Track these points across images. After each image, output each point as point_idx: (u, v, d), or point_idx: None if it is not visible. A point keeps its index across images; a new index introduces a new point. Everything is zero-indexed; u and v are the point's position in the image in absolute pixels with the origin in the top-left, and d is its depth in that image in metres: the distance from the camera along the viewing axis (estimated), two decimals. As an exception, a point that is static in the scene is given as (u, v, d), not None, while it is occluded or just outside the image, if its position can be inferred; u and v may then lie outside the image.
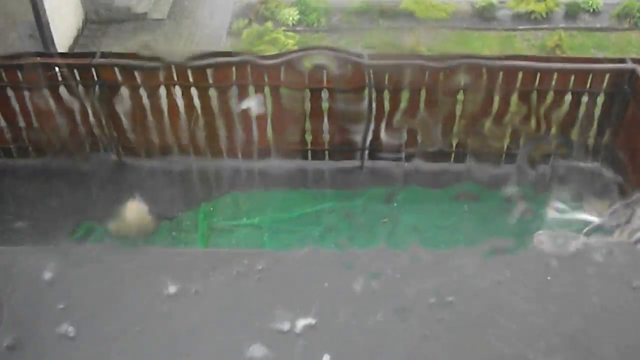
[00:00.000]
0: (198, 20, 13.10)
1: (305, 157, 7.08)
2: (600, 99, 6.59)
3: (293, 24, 12.45)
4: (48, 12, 10.48)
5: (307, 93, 6.66)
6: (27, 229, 6.37)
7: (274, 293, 1.59)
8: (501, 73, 6.39)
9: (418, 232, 6.38)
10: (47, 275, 1.56)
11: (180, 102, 6.62)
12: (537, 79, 6.43)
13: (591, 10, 12.41)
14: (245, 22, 12.54)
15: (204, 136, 6.89)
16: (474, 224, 6.40)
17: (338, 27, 12.58)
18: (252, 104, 6.48)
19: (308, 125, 6.90)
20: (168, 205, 6.68)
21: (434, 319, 1.53)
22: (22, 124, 6.82)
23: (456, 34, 12.17)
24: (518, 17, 12.41)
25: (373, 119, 6.69)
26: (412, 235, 6.33)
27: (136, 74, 6.47)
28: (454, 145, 6.90)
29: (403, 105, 6.64)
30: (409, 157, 6.95)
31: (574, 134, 6.79)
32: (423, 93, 6.56)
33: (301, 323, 1.51)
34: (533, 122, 6.64)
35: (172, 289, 1.58)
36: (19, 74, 6.51)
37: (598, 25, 12.29)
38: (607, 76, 6.41)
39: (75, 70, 6.52)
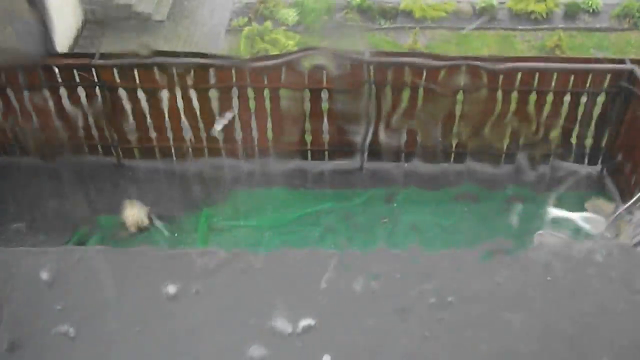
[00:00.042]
0: (197, 19, 13.09)
1: (305, 158, 7.08)
2: (599, 99, 6.59)
3: (292, 24, 12.45)
4: (48, 12, 10.46)
5: (307, 93, 6.66)
6: (26, 229, 6.37)
7: (273, 293, 1.59)
8: (501, 74, 6.39)
9: (417, 232, 6.38)
10: (46, 275, 1.56)
11: (180, 103, 6.62)
12: (536, 79, 6.43)
13: (591, 10, 12.40)
14: (244, 20, 12.54)
15: (203, 136, 6.89)
16: (474, 225, 6.40)
17: (338, 27, 12.57)
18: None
19: (308, 125, 6.89)
20: (168, 205, 6.68)
21: (433, 319, 1.53)
22: (21, 123, 6.81)
23: (456, 35, 12.16)
24: (517, 17, 12.42)
25: (373, 119, 6.69)
26: (411, 236, 6.32)
27: (135, 74, 6.47)
28: (454, 145, 6.90)
29: (403, 105, 6.64)
30: (408, 158, 6.95)
31: (574, 135, 6.79)
32: (422, 93, 6.55)
33: (301, 323, 1.51)
34: (532, 123, 6.64)
35: (172, 290, 1.58)
36: (20, 75, 6.51)
37: (598, 26, 12.28)
38: (606, 77, 6.41)
39: (75, 71, 6.52)
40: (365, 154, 6.96)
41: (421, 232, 6.39)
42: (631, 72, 6.30)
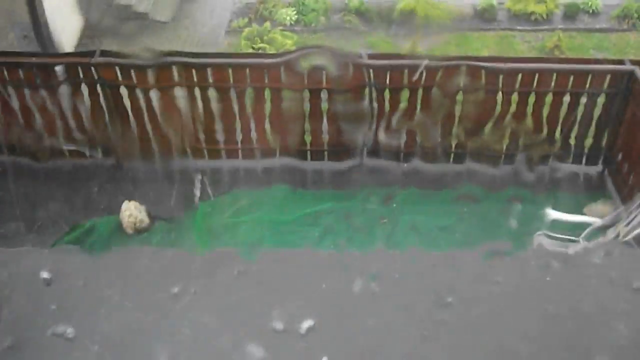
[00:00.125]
0: (197, 20, 13.10)
1: (304, 158, 7.07)
2: (599, 100, 6.59)
3: (291, 24, 12.46)
4: (48, 12, 10.47)
5: (307, 94, 6.66)
6: (25, 229, 6.37)
7: (272, 294, 1.59)
8: (500, 74, 6.40)
9: (417, 233, 6.38)
10: (46, 275, 1.56)
11: (180, 102, 6.62)
12: (536, 80, 6.43)
13: (590, 11, 12.41)
14: (244, 21, 12.55)
15: (203, 137, 6.89)
16: (473, 225, 6.40)
17: (337, 27, 12.58)
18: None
19: (307, 125, 6.89)
20: (167, 205, 6.68)
21: (433, 320, 1.53)
22: (21, 123, 6.81)
23: (456, 35, 12.17)
24: (517, 18, 12.42)
25: (372, 119, 6.69)
26: (411, 237, 6.32)
27: (134, 73, 6.46)
28: (453, 146, 6.90)
29: (402, 105, 6.64)
30: (408, 158, 6.95)
31: (573, 136, 6.79)
32: (422, 94, 6.55)
33: (300, 324, 1.51)
34: (532, 124, 6.64)
35: (171, 290, 1.58)
36: (20, 73, 6.51)
37: (597, 27, 12.29)
38: (606, 77, 6.41)
39: (74, 70, 6.51)
40: (365, 154, 6.96)
41: (420, 232, 6.39)
42: (631, 73, 6.30)
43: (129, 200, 6.55)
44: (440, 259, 1.74)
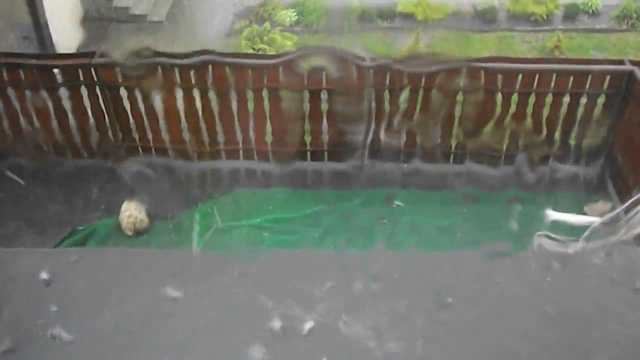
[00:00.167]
0: (198, 22, 13.10)
1: (304, 158, 7.07)
2: (599, 101, 6.59)
3: (291, 25, 12.47)
4: (48, 14, 10.47)
5: (307, 94, 6.65)
6: (25, 230, 6.37)
7: (273, 294, 1.58)
8: (500, 75, 6.40)
9: (417, 233, 6.38)
10: (45, 276, 1.56)
11: (180, 103, 6.62)
12: (536, 80, 6.43)
13: (590, 11, 12.40)
14: (245, 22, 12.56)
15: (204, 137, 6.89)
16: (473, 226, 6.40)
17: (337, 28, 12.58)
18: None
19: (307, 126, 6.89)
20: (167, 206, 6.67)
21: (433, 320, 1.53)
22: (21, 124, 6.81)
23: (456, 36, 12.16)
24: (517, 19, 12.42)
25: (373, 120, 6.69)
26: (411, 237, 6.32)
27: (133, 75, 6.46)
28: (453, 146, 6.90)
29: (402, 106, 6.64)
30: (408, 159, 6.95)
31: (573, 136, 6.79)
32: (422, 94, 6.55)
33: (300, 324, 1.51)
34: (532, 124, 6.64)
35: (170, 291, 1.58)
36: (20, 74, 6.51)
37: (597, 27, 12.28)
38: (606, 78, 6.41)
39: (74, 71, 6.52)
40: (365, 155, 6.95)
41: (420, 233, 6.39)
42: (631, 74, 6.30)
43: (129, 201, 6.55)
44: (440, 260, 1.74)
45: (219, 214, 6.64)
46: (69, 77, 6.55)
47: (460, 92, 6.53)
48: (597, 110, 6.62)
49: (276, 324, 1.55)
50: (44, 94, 6.59)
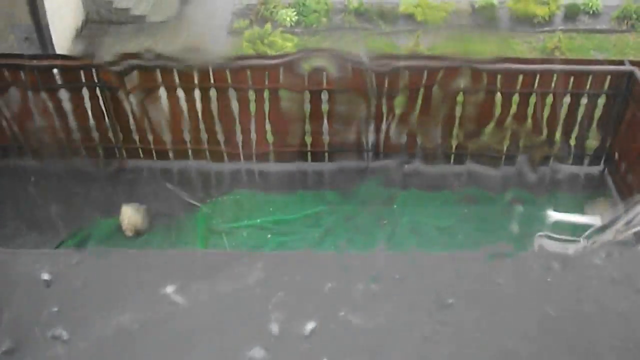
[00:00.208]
0: (198, 22, 13.10)
1: (304, 159, 7.08)
2: (599, 101, 6.59)
3: (291, 25, 12.46)
4: (49, 15, 10.48)
5: (307, 95, 6.66)
6: (25, 230, 6.37)
7: (273, 295, 1.58)
8: (500, 75, 6.40)
9: (418, 234, 6.38)
10: (47, 277, 1.56)
11: (181, 104, 6.62)
12: (537, 81, 6.43)
13: (591, 12, 12.41)
14: (245, 22, 12.55)
15: (204, 138, 6.90)
16: (474, 226, 6.40)
17: (337, 28, 12.58)
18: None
19: (308, 127, 6.89)
20: (167, 207, 6.67)
21: (433, 321, 1.53)
22: (22, 125, 6.81)
23: (456, 36, 12.16)
24: (519, 21, 12.42)
25: (373, 121, 6.69)
26: (411, 238, 6.32)
27: (135, 76, 6.47)
28: (454, 147, 6.90)
29: (403, 107, 6.64)
30: (408, 159, 6.95)
31: (573, 136, 6.79)
32: (423, 95, 6.55)
33: (300, 326, 1.51)
34: (532, 125, 6.64)
35: (171, 291, 1.58)
36: (21, 75, 6.51)
37: (598, 27, 12.28)
38: (606, 78, 6.41)
39: (75, 72, 6.52)
40: (365, 156, 6.96)
41: (421, 234, 6.39)
42: (631, 74, 6.30)
43: (129, 203, 6.55)
44: (440, 260, 1.73)
45: (220, 214, 6.65)
46: (70, 78, 6.55)
47: (461, 93, 6.53)
48: (598, 111, 6.63)
49: (276, 325, 1.55)
50: (44, 95, 6.59)
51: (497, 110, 6.60)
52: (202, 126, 6.83)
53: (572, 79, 6.43)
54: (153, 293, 1.57)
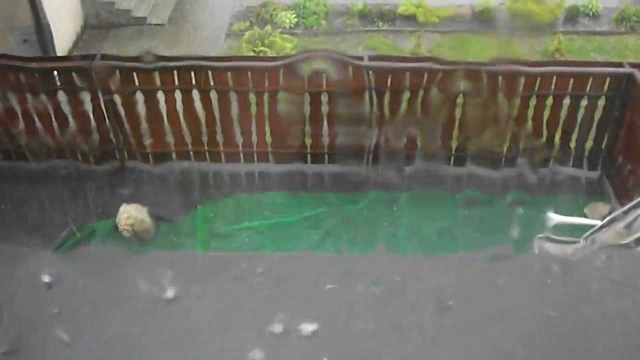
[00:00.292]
0: (198, 24, 13.12)
1: (304, 161, 7.07)
2: (599, 103, 6.59)
3: (291, 27, 12.47)
4: (49, 16, 10.49)
5: (307, 97, 6.65)
6: (25, 232, 6.37)
7: (273, 297, 1.58)
8: (500, 77, 6.40)
9: (418, 236, 6.37)
10: (47, 278, 1.56)
11: (180, 105, 6.62)
12: (537, 83, 6.43)
13: (591, 14, 12.42)
14: (245, 24, 12.57)
15: (204, 139, 6.89)
16: (474, 229, 6.39)
17: (337, 30, 12.59)
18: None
19: (308, 128, 6.89)
20: (167, 208, 6.67)
21: (434, 322, 1.53)
22: (22, 127, 6.81)
23: (456, 38, 12.17)
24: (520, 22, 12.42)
25: (373, 122, 6.69)
26: (412, 240, 6.32)
27: (134, 77, 6.47)
28: (454, 149, 6.90)
29: (403, 108, 6.64)
30: (409, 161, 6.94)
31: (573, 139, 6.78)
32: (423, 97, 6.55)
33: (301, 327, 1.51)
34: (533, 127, 6.63)
35: (171, 293, 1.58)
36: (21, 77, 6.51)
37: (597, 29, 12.29)
38: (606, 80, 6.41)
39: (75, 74, 6.52)
40: (366, 157, 6.95)
41: (421, 236, 6.38)
42: (630, 76, 6.30)
43: (128, 204, 6.54)
44: (441, 262, 1.74)
45: (220, 216, 6.65)
46: (70, 80, 6.55)
47: (461, 95, 6.53)
48: (598, 113, 6.63)
49: (277, 326, 1.55)
50: (43, 96, 6.59)
51: (498, 112, 6.59)
52: (202, 127, 6.82)
53: (572, 81, 6.43)
54: (153, 294, 1.57)
